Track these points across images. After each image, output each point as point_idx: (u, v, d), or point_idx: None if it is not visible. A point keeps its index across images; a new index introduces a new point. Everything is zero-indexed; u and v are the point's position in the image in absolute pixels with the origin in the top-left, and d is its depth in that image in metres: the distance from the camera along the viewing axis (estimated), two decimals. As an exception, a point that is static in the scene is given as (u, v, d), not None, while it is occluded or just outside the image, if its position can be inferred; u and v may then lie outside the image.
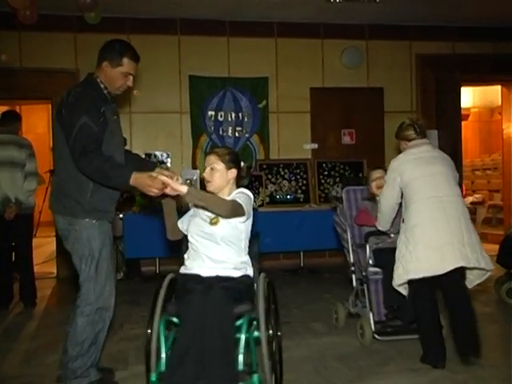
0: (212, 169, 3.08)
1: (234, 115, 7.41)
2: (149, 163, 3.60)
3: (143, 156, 7.02)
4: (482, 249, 3.60)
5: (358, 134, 7.74)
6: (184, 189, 2.73)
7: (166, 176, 2.82)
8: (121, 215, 6.22)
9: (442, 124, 7.78)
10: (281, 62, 7.60)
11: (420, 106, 7.96)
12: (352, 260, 4.36)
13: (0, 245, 5.46)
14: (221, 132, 7.36)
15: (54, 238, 6.60)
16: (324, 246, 6.82)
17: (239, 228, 3.05)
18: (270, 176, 7.34)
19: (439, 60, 7.89)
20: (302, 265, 7.05)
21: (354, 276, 4.37)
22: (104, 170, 2.90)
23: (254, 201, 6.83)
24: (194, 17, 7.16)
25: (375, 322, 4.06)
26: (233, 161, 3.11)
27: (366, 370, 3.61)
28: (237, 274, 3.04)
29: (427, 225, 3.52)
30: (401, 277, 3.57)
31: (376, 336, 4.00)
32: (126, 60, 3.18)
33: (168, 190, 2.80)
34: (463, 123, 8.73)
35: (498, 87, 8.89)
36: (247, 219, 3.05)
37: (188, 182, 6.89)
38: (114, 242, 6.53)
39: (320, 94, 7.65)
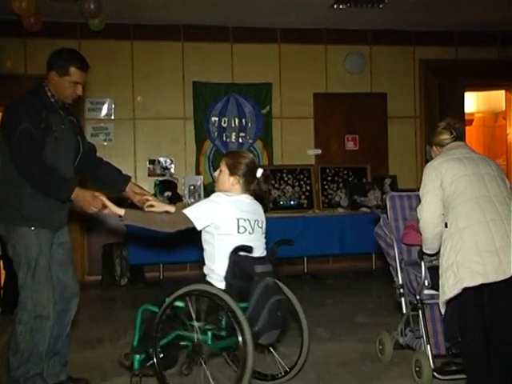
0: (220, 171, 3.16)
1: (237, 121, 7.43)
2: (121, 176, 3.53)
3: (146, 161, 7.10)
4: None
5: (362, 140, 7.75)
6: (121, 212, 2.94)
7: (137, 193, 3.22)
8: (125, 221, 6.22)
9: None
10: (284, 68, 7.63)
11: (424, 111, 7.97)
12: (401, 281, 3.70)
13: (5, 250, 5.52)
14: (224, 138, 7.38)
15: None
16: (327, 252, 6.83)
17: (206, 235, 3.04)
18: (273, 181, 7.35)
19: (442, 65, 7.90)
20: (305, 270, 7.06)
21: (403, 300, 3.71)
22: (48, 182, 3.00)
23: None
24: (197, 23, 7.19)
25: (434, 357, 3.39)
26: (235, 168, 3.10)
27: (370, 375, 3.62)
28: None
29: (479, 226, 3.00)
30: (454, 287, 2.98)
31: (436, 375, 3.34)
32: (73, 69, 3.18)
33: (106, 211, 2.99)
34: (467, 128, 8.72)
35: (502, 92, 8.88)
36: (204, 226, 2.99)
37: (192, 187, 6.95)
38: (118, 247, 6.63)
39: (323, 99, 7.67)
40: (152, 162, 7.12)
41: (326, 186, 7.50)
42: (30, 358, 3.11)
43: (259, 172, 3.13)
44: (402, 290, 3.70)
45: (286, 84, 7.61)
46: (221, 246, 2.98)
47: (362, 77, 7.81)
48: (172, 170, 7.15)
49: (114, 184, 3.50)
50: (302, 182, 7.44)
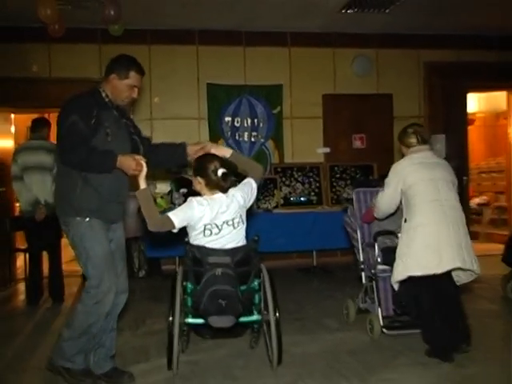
0: None
1: (249, 121, 7.43)
2: (177, 148, 3.56)
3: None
4: (474, 253, 3.71)
5: (369, 139, 7.72)
6: (142, 186, 3.04)
7: (198, 150, 3.40)
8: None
9: (449, 129, 7.74)
10: (294, 70, 7.61)
11: (428, 111, 7.92)
12: (362, 258, 4.42)
13: (31, 245, 5.58)
14: (237, 137, 7.38)
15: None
16: (336, 246, 6.80)
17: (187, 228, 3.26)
18: (284, 179, 7.34)
19: (446, 67, 7.84)
20: (314, 264, 7.03)
21: (363, 274, 4.43)
22: (92, 158, 3.03)
23: (269, 202, 6.90)
24: (211, 28, 7.19)
25: (383, 317, 4.12)
26: (196, 169, 3.29)
27: (377, 363, 3.60)
28: None
29: (429, 226, 3.62)
30: (401, 273, 3.66)
31: (384, 330, 4.06)
32: (132, 73, 3.24)
33: (139, 175, 3.05)
34: (469, 128, 8.67)
35: (504, 93, 8.81)
36: (182, 226, 3.18)
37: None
38: (136, 242, 6.64)
39: (332, 100, 7.64)
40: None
41: (335, 183, 7.48)
42: (81, 335, 3.17)
43: (220, 172, 3.21)
44: (362, 266, 4.41)
45: (297, 85, 7.59)
46: (192, 239, 3.26)
47: (369, 78, 7.77)
48: (187, 168, 7.14)
49: (175, 158, 3.58)
50: (311, 180, 7.42)
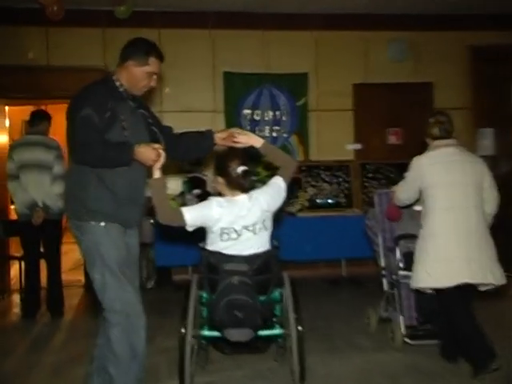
0: None
1: (271, 114, 7.45)
2: (203, 137, 3.58)
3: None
4: (495, 263, 3.80)
5: (405, 134, 7.68)
6: (156, 175, 3.11)
7: (225, 138, 3.45)
8: (151, 220, 6.27)
9: (499, 121, 7.66)
10: (321, 57, 7.61)
11: (474, 102, 7.85)
12: (383, 264, 4.65)
13: (27, 252, 5.63)
14: (257, 132, 7.35)
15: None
16: (367, 254, 6.70)
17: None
18: (309, 179, 7.34)
19: (495, 52, 7.75)
20: (343, 274, 7.03)
21: (384, 280, 4.66)
22: (108, 153, 3.03)
23: (293, 205, 6.91)
24: (227, 9, 7.21)
25: (406, 327, 4.31)
26: (216, 168, 3.37)
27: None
28: None
29: (438, 238, 3.79)
30: (414, 282, 3.89)
31: (406, 340, 4.24)
32: (152, 59, 3.26)
33: (155, 165, 3.11)
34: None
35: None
36: (193, 228, 3.25)
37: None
38: (145, 249, 6.68)
39: (363, 90, 7.63)
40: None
41: (367, 184, 7.47)
42: (130, 364, 3.13)
43: (240, 169, 3.26)
44: (383, 272, 4.64)
45: (323, 74, 7.60)
46: (209, 244, 3.33)
47: (406, 65, 7.74)
48: (201, 167, 7.16)
49: (201, 147, 3.59)
50: (340, 179, 7.42)
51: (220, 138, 3.50)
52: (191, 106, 7.30)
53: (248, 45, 7.43)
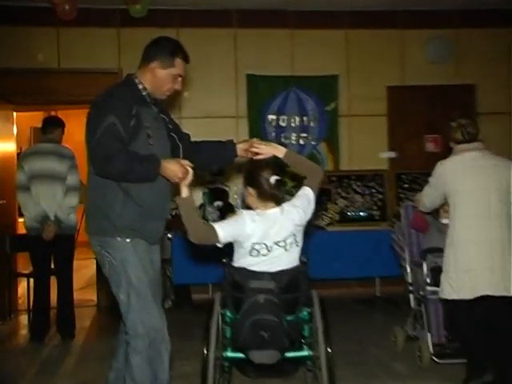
0: None
1: (298, 120, 7.49)
2: (224, 147, 3.63)
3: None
4: None
5: (445, 141, 7.59)
6: (184, 194, 3.11)
7: (247, 149, 3.47)
8: (169, 235, 6.32)
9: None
10: (353, 57, 7.66)
11: (520, 106, 7.82)
12: (410, 279, 4.82)
13: (37, 268, 5.66)
14: (283, 139, 7.42)
15: (94, 261, 6.77)
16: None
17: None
18: (340, 190, 7.36)
19: (544, 51, 7.74)
20: (378, 294, 7.02)
21: (411, 296, 4.82)
22: (135, 166, 3.03)
23: (322, 218, 6.92)
24: (252, 7, 7.27)
25: (434, 345, 4.42)
26: (246, 179, 3.38)
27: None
28: None
29: (459, 247, 3.92)
30: (441, 292, 4.03)
31: (434, 358, 4.34)
32: (178, 60, 3.28)
33: (182, 182, 3.10)
34: None
35: None
36: (227, 241, 3.24)
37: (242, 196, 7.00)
38: (162, 265, 6.71)
39: (399, 93, 7.65)
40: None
41: (402, 195, 7.46)
42: None
43: (273, 179, 3.27)
44: (410, 288, 4.79)
45: (355, 76, 7.64)
46: (235, 260, 3.34)
47: (446, 66, 7.75)
48: (223, 177, 7.20)
49: (222, 158, 3.65)
50: (373, 190, 7.42)
51: (241, 149, 3.54)
52: (212, 111, 7.36)
53: (273, 45, 7.48)
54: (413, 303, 4.81)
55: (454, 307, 4.01)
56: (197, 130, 7.16)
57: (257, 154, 3.46)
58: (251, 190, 3.30)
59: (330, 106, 7.56)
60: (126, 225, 3.14)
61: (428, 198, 4.33)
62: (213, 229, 3.17)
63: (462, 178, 3.97)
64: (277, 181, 3.27)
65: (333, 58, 7.60)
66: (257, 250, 3.23)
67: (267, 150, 3.46)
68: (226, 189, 7.05)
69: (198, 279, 6.55)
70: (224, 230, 3.17)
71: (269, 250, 3.24)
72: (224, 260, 3.39)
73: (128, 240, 3.16)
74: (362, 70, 7.62)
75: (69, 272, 5.73)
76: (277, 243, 3.25)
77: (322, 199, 7.16)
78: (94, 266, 6.81)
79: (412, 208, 4.90)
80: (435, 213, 4.67)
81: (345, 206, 7.32)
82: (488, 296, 3.81)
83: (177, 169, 3.05)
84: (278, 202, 3.31)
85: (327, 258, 6.14)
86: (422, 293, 4.57)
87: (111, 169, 3.02)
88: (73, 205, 5.54)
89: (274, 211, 3.28)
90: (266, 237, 3.22)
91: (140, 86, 3.26)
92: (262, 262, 3.25)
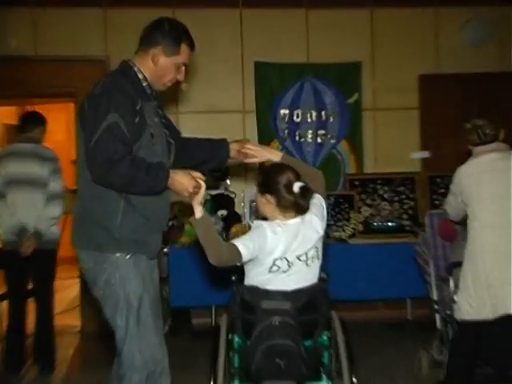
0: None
1: (314, 114, 7.51)
2: (218, 145, 3.70)
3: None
4: None
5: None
6: (198, 214, 3.10)
7: (240, 151, 3.55)
8: (165, 249, 6.32)
9: None
10: (378, 42, 7.67)
11: None
12: (435, 297, 4.91)
13: (11, 289, 5.64)
14: (297, 137, 7.45)
15: (78, 280, 6.78)
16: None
17: None
18: (364, 196, 7.37)
19: None
20: (409, 317, 7.04)
21: (437, 316, 4.91)
22: (141, 175, 3.00)
23: (343, 229, 6.92)
24: (260, -16, 7.30)
25: None
26: (262, 184, 3.36)
27: None
28: None
29: (477, 260, 4.07)
30: (455, 312, 4.22)
31: None
32: (184, 47, 3.31)
33: (194, 199, 3.11)
34: None
35: None
36: (248, 260, 3.23)
37: (254, 204, 7.03)
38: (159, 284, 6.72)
39: (433, 82, 7.67)
40: (202, 172, 7.21)
41: (437, 202, 7.44)
42: None
43: (296, 186, 3.27)
44: (436, 306, 4.89)
45: (381, 63, 7.66)
46: (250, 278, 3.33)
47: (488, 50, 7.75)
48: (227, 182, 7.22)
49: (214, 159, 3.70)
50: (403, 196, 7.43)
51: (234, 150, 3.60)
52: (214, 105, 7.39)
53: (286, 28, 7.49)
54: (439, 324, 4.90)
55: (467, 330, 4.11)
56: (197, 128, 7.26)
57: (248, 156, 3.49)
58: (269, 198, 3.29)
59: (351, 99, 7.57)
60: (127, 238, 3.15)
61: (450, 207, 4.49)
62: (235, 248, 3.14)
63: (478, 184, 4.12)
64: (301, 188, 3.27)
65: (355, 43, 7.61)
66: (278, 266, 3.22)
67: (261, 153, 3.53)
68: (232, 195, 7.05)
69: (199, 301, 6.58)
70: (246, 248, 3.14)
71: (289, 266, 3.24)
72: (233, 277, 3.39)
73: (128, 256, 3.17)
74: (389, 56, 7.63)
75: (49, 293, 5.71)
76: (299, 257, 3.25)
77: (344, 207, 7.17)
78: (78, 287, 6.83)
79: (438, 216, 5.01)
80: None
81: (370, 215, 7.32)
82: (509, 316, 3.90)
83: (187, 182, 3.05)
84: (302, 212, 3.30)
85: (349, 276, 6.17)
86: (448, 312, 4.61)
87: (113, 176, 2.99)
88: (55, 215, 5.53)
89: (295, 221, 3.28)
90: (287, 251, 3.22)
91: (140, 76, 3.27)
92: (277, 280, 3.24)
